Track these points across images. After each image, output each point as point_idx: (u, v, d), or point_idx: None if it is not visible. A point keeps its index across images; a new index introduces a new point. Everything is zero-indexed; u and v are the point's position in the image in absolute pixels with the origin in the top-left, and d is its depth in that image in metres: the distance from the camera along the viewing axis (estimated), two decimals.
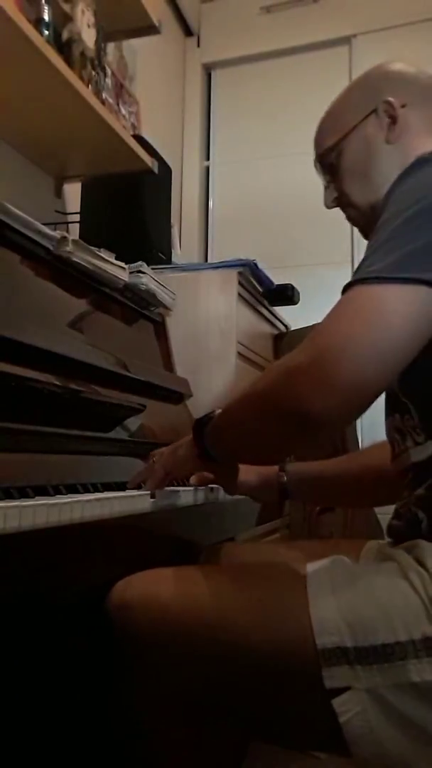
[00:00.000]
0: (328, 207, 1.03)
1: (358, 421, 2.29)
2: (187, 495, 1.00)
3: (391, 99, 0.93)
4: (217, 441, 0.83)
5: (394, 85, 0.95)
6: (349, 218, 1.02)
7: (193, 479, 0.99)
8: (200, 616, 0.76)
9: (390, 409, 0.87)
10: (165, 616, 0.77)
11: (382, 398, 0.84)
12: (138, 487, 0.93)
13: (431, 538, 0.75)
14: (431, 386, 0.78)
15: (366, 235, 0.96)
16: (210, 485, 1.04)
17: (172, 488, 0.95)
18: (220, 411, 0.84)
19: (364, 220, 0.97)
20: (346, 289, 0.69)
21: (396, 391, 0.84)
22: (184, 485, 1.01)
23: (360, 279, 0.68)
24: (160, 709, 0.79)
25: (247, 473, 1.04)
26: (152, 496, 0.89)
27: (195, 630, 0.76)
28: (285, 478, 1.06)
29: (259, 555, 1.05)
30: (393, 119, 0.93)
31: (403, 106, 0.93)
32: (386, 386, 0.70)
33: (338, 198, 1.00)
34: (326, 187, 1.02)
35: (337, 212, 1.04)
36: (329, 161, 0.99)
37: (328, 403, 0.64)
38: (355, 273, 0.70)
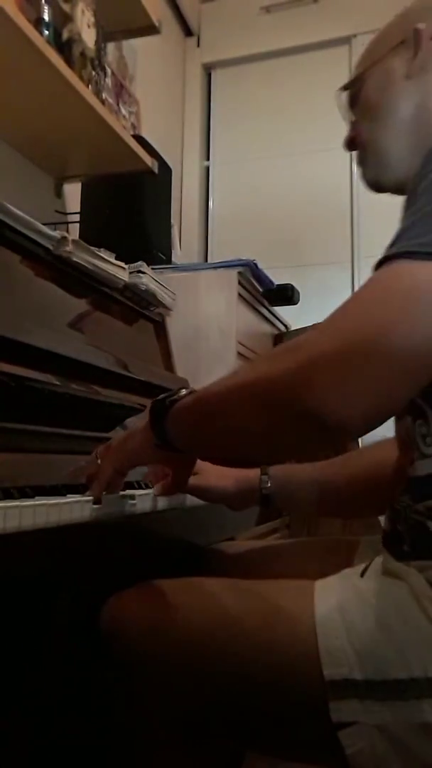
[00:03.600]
0: (345, 149, 0.89)
1: None
2: (144, 500, 0.85)
3: (421, 27, 0.79)
4: (186, 429, 0.69)
5: None
6: (357, 160, 0.88)
7: (156, 489, 0.86)
8: (198, 638, 0.72)
9: (401, 412, 0.74)
10: (160, 636, 0.74)
11: None
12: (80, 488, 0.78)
13: None
14: None
15: (366, 182, 0.87)
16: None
17: (123, 492, 0.82)
18: (187, 392, 0.70)
19: (366, 162, 0.86)
20: (382, 263, 0.57)
21: None
22: (145, 487, 0.93)
23: (402, 252, 0.55)
24: (156, 725, 0.76)
25: (221, 477, 0.90)
26: (96, 502, 0.74)
27: (192, 652, 0.72)
28: (269, 484, 0.92)
29: (258, 556, 1.01)
30: (417, 47, 0.79)
31: None
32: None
33: (352, 140, 0.87)
34: (350, 127, 0.89)
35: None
36: (353, 94, 0.87)
37: (354, 406, 0.53)
38: (392, 245, 0.57)
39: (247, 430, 0.61)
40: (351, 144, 0.88)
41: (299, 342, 0.57)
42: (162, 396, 0.72)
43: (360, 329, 0.53)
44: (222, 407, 0.64)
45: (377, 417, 0.55)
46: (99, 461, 0.78)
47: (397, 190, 0.84)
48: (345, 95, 0.90)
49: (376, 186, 0.86)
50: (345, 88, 0.89)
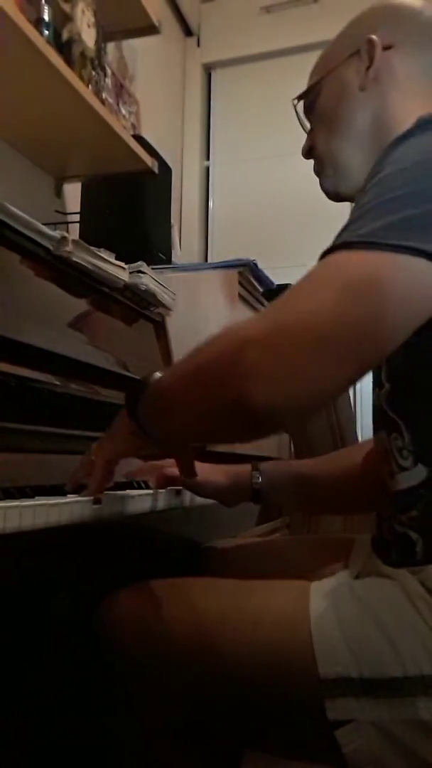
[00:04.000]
0: (304, 157, 0.91)
1: (358, 415, 2.28)
2: (143, 500, 0.85)
3: (373, 37, 0.79)
4: (152, 415, 0.69)
5: (386, 21, 0.81)
6: (314, 170, 0.89)
7: (152, 482, 0.88)
8: (192, 637, 0.72)
9: (376, 425, 0.76)
10: (154, 635, 0.74)
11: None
12: (78, 489, 0.77)
13: (428, 560, 0.68)
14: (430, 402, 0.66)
15: (325, 193, 0.88)
16: (175, 487, 0.92)
17: (123, 492, 0.82)
18: (159, 375, 0.69)
19: (322, 172, 0.87)
20: (326, 255, 0.57)
21: (381, 404, 0.72)
22: (144, 487, 0.93)
23: (344, 243, 0.55)
24: (153, 724, 0.76)
25: (214, 472, 0.92)
26: (96, 501, 0.73)
27: (187, 651, 0.72)
28: (259, 479, 0.93)
29: (256, 556, 1.01)
30: (370, 61, 0.80)
31: (387, 48, 0.79)
32: (356, 382, 0.56)
33: (310, 149, 0.89)
34: (307, 136, 0.90)
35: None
36: (308, 103, 0.88)
37: (279, 390, 0.53)
38: (337, 237, 0.57)
39: (191, 413, 0.63)
40: (309, 153, 0.89)
41: (237, 325, 0.58)
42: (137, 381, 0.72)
43: (290, 316, 0.54)
44: (172, 390, 0.65)
45: (304, 404, 0.55)
46: (93, 457, 0.78)
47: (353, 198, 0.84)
48: (301, 104, 0.91)
49: (336, 196, 0.88)
50: (300, 97, 0.90)
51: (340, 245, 0.56)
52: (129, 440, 0.74)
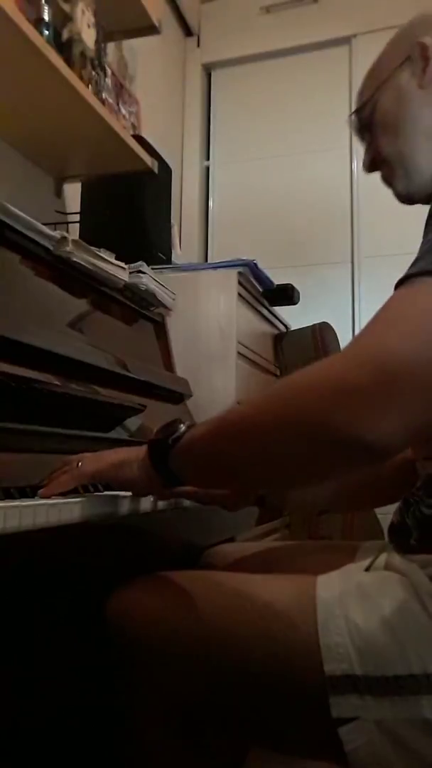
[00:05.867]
0: (366, 171, 0.93)
1: None
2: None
3: (424, 41, 0.84)
4: (199, 462, 0.70)
5: (430, 28, 0.86)
6: (383, 178, 0.91)
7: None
8: (201, 628, 0.73)
9: None
10: (164, 626, 0.74)
11: None
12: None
13: None
14: None
15: (398, 196, 0.89)
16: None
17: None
18: (186, 426, 0.70)
19: (394, 176, 0.88)
20: (404, 282, 0.58)
21: None
22: None
23: (424, 271, 0.56)
24: (157, 718, 0.76)
25: None
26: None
27: (195, 642, 0.72)
28: None
29: (259, 557, 1.01)
30: (426, 61, 0.84)
31: None
32: None
33: (373, 160, 0.91)
34: (366, 150, 0.93)
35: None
36: (365, 118, 0.90)
37: (396, 431, 0.55)
38: (415, 263, 0.58)
39: (281, 460, 0.62)
40: (372, 165, 0.91)
41: (328, 372, 0.57)
42: (159, 437, 0.71)
43: (382, 353, 0.54)
44: (250, 438, 0.63)
45: (417, 430, 0.56)
46: (79, 464, 0.76)
47: (429, 200, 0.84)
48: (356, 120, 0.92)
49: (408, 198, 0.88)
50: (357, 111, 0.91)
51: (422, 273, 0.56)
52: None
